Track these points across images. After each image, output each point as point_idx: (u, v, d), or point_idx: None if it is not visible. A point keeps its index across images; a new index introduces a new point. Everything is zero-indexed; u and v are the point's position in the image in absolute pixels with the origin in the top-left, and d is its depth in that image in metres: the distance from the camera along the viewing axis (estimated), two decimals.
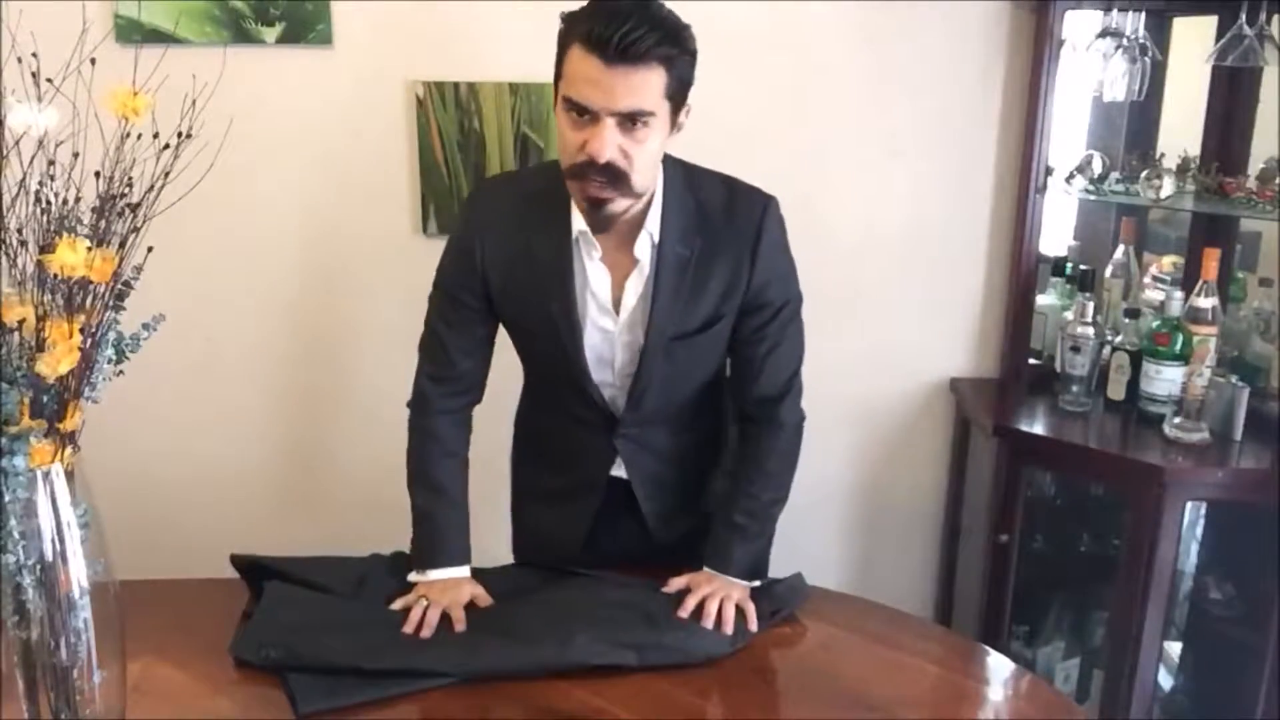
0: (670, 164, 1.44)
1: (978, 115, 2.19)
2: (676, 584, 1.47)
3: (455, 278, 1.50)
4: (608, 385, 1.53)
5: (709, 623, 1.39)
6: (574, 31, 1.28)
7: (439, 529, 1.51)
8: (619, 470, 1.60)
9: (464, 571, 1.49)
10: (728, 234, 1.46)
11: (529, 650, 1.31)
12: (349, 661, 1.28)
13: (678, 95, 1.32)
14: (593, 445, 1.58)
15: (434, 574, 1.47)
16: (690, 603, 1.41)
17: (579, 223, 1.42)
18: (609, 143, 1.28)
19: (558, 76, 1.33)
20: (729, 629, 1.39)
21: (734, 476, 1.58)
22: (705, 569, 1.50)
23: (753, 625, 1.42)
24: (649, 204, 1.42)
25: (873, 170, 2.21)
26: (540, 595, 1.47)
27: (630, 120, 1.28)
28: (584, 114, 1.28)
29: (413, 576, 1.48)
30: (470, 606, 1.44)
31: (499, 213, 1.48)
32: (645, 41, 1.24)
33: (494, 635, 1.35)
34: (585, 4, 1.31)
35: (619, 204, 1.35)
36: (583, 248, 1.44)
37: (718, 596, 1.42)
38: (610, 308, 1.47)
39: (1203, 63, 2.00)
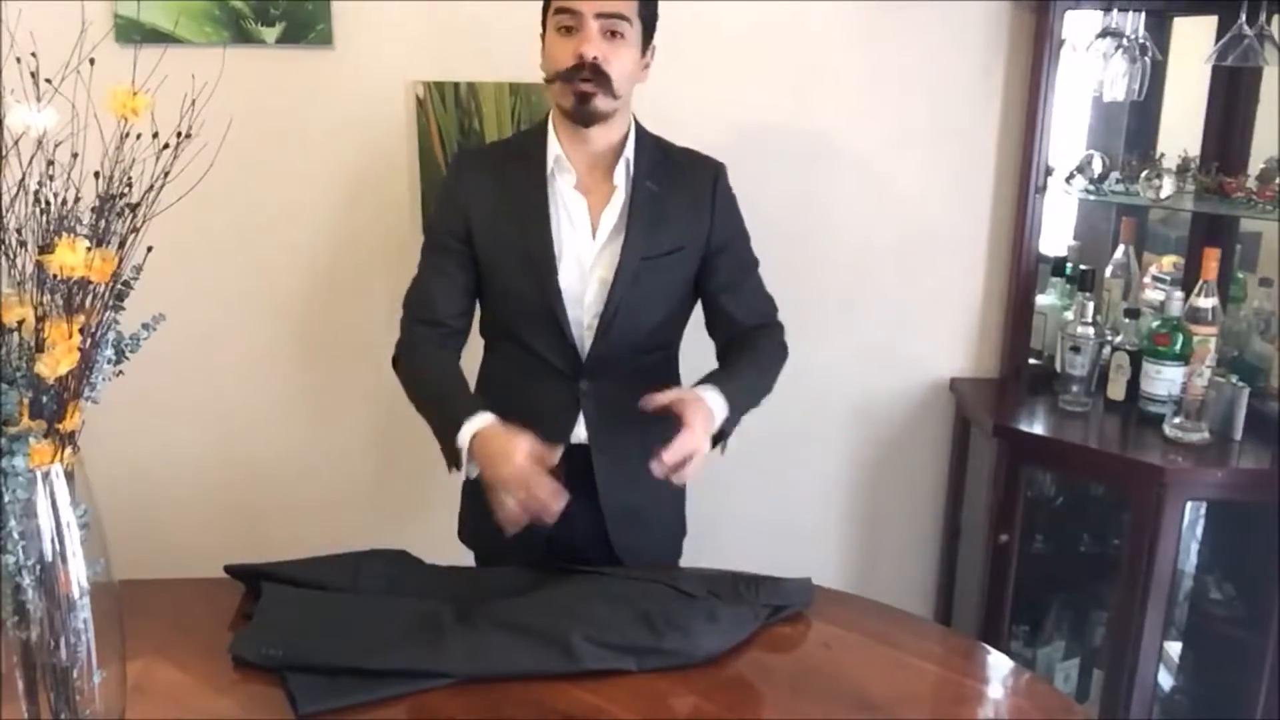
0: (637, 126, 1.61)
1: (978, 115, 2.19)
2: (665, 398, 1.45)
3: (438, 224, 1.63)
4: (575, 321, 1.57)
5: (657, 467, 1.38)
6: None
7: (451, 393, 1.55)
8: (580, 435, 1.60)
9: (488, 417, 1.47)
10: (689, 179, 1.63)
11: (529, 652, 1.31)
12: (350, 661, 1.28)
13: (648, 20, 1.54)
14: (555, 399, 1.60)
15: (466, 431, 1.45)
16: (664, 399, 1.44)
17: (554, 149, 1.56)
18: (594, 42, 1.47)
19: (546, 10, 1.52)
20: (661, 468, 1.38)
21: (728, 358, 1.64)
22: (696, 389, 1.50)
23: (696, 467, 1.41)
24: (625, 138, 1.58)
25: (873, 170, 2.21)
26: (541, 594, 1.46)
27: (611, 32, 1.48)
28: (570, 29, 1.48)
29: (461, 440, 1.45)
30: (472, 605, 1.43)
31: (480, 158, 1.68)
32: None
33: (494, 636, 1.35)
34: None
35: (602, 101, 1.50)
36: (559, 177, 1.57)
37: (684, 435, 1.40)
38: (588, 231, 1.57)
39: (1203, 63, 2.00)
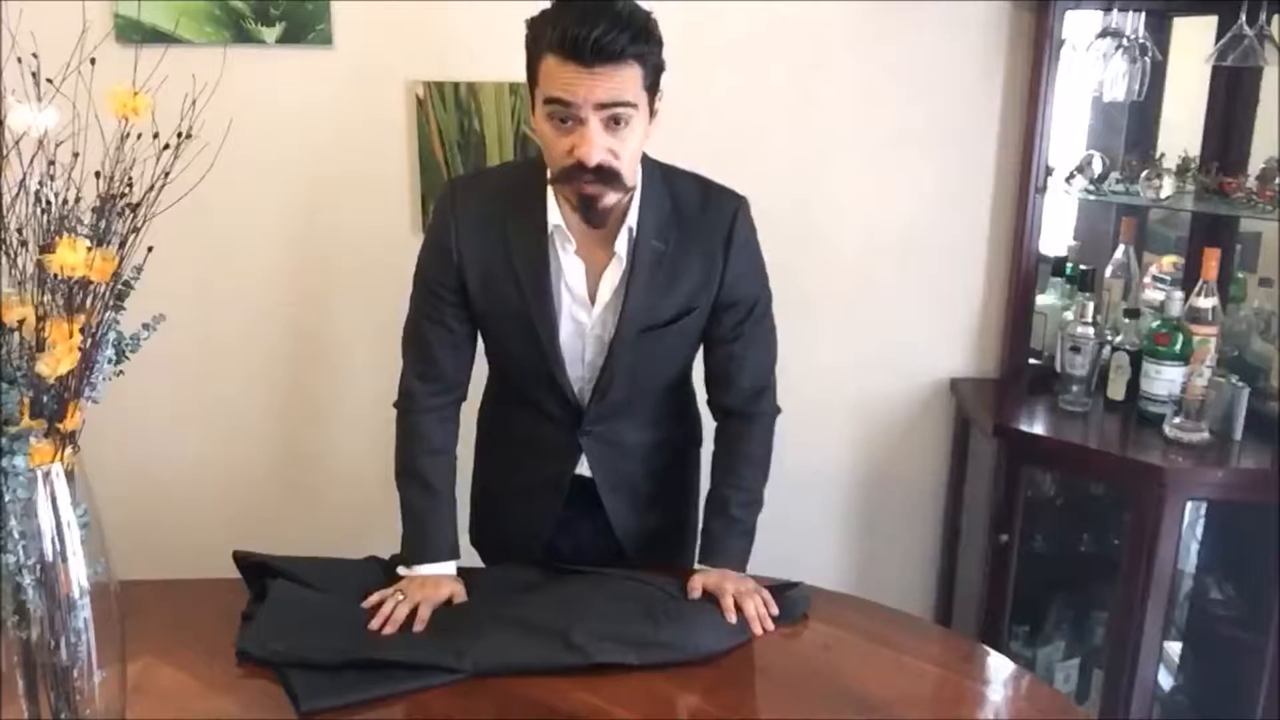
0: (647, 162, 1.47)
1: (978, 115, 2.19)
2: (698, 587, 1.46)
3: (433, 274, 1.51)
4: (576, 379, 1.54)
5: (757, 627, 1.41)
6: (544, 39, 1.29)
7: (425, 525, 1.52)
8: (583, 468, 1.60)
9: (449, 568, 1.50)
10: (701, 229, 1.49)
11: (530, 647, 1.31)
12: (354, 654, 1.28)
13: (654, 84, 1.35)
14: (558, 440, 1.59)
15: (420, 569, 1.49)
16: (729, 603, 1.42)
17: (554, 216, 1.44)
18: (597, 145, 1.30)
19: (533, 83, 1.35)
20: (769, 625, 1.41)
21: (718, 471, 1.60)
22: (707, 565, 1.51)
23: (774, 609, 1.44)
24: (630, 199, 1.44)
25: (873, 170, 2.21)
26: (542, 592, 1.47)
27: (614, 119, 1.30)
28: (567, 119, 1.30)
29: (400, 570, 1.50)
30: (474, 603, 1.44)
31: (474, 208, 1.49)
32: (619, 41, 1.26)
33: (496, 632, 1.35)
34: (547, 8, 1.32)
35: (611, 199, 1.37)
36: (558, 241, 1.46)
37: (748, 595, 1.44)
38: (586, 300, 1.49)
39: (1203, 63, 2.00)
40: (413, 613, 1.40)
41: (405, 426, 1.57)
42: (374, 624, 1.38)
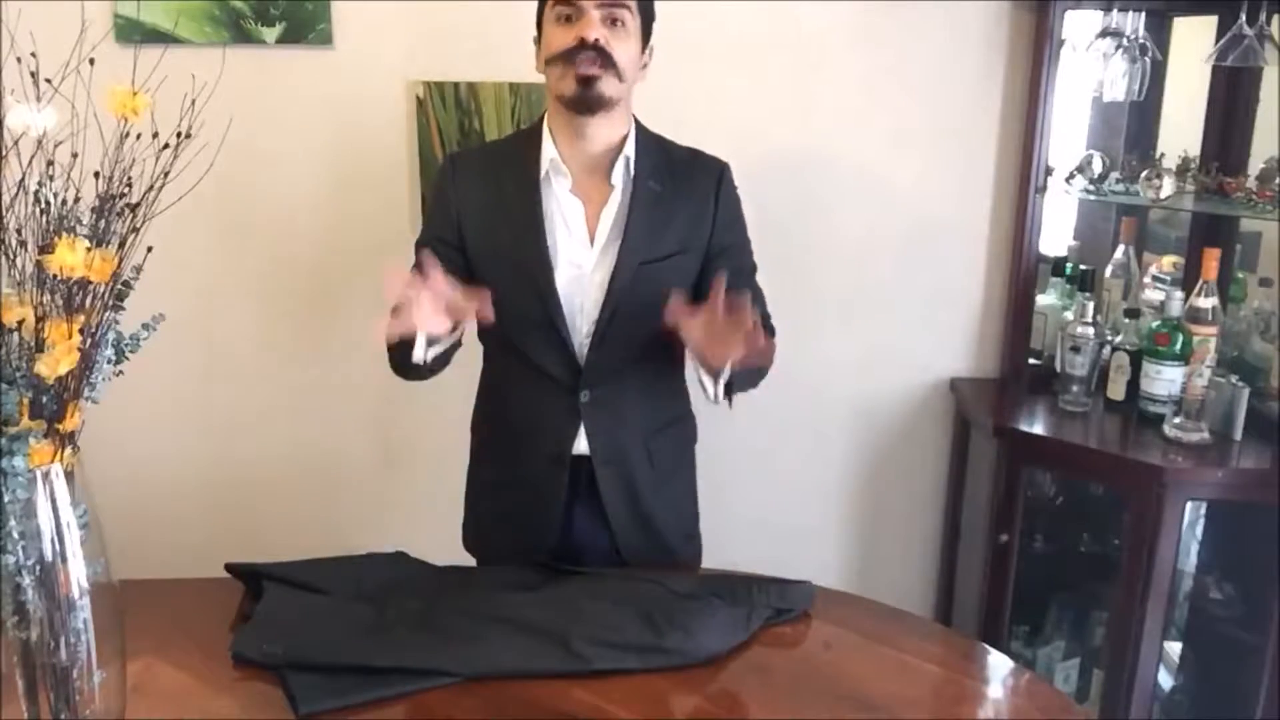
0: (638, 125, 1.57)
1: (978, 115, 2.19)
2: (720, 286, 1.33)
3: (432, 228, 1.58)
4: (575, 329, 1.54)
5: (748, 320, 1.29)
6: None
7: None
8: (581, 445, 1.58)
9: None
10: (692, 177, 1.58)
11: (530, 651, 1.31)
12: (350, 659, 1.28)
13: (646, 17, 1.50)
14: (556, 409, 1.57)
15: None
16: (742, 308, 1.30)
17: (550, 150, 1.51)
18: (596, 25, 1.42)
19: (542, 12, 1.49)
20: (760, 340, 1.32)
21: None
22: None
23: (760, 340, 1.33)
24: (624, 138, 1.53)
25: (873, 170, 2.21)
26: (541, 593, 1.46)
27: (612, 19, 1.44)
28: (570, 17, 1.43)
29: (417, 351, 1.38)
30: (475, 605, 1.43)
31: (471, 161, 1.61)
32: None
33: (495, 635, 1.35)
34: None
35: (607, 84, 1.44)
36: (554, 179, 1.52)
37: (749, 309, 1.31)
38: (585, 238, 1.53)
39: (1203, 63, 2.00)
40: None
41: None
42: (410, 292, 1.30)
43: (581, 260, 1.53)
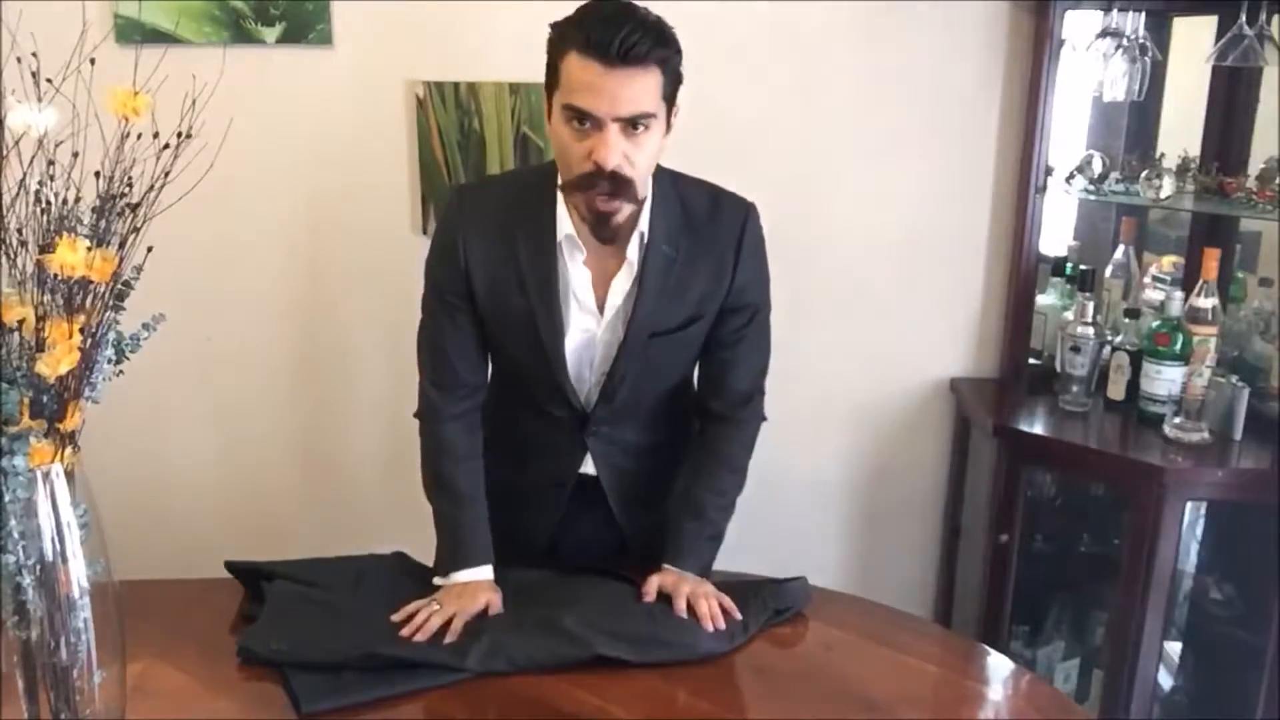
0: (658, 169, 1.46)
1: (978, 115, 2.19)
2: (652, 589, 1.44)
3: (443, 283, 1.50)
4: (583, 383, 1.53)
5: (708, 625, 1.38)
6: (569, 39, 1.29)
7: (459, 533, 1.50)
8: (588, 467, 1.59)
9: (486, 572, 1.48)
10: (711, 236, 1.48)
11: (531, 640, 1.32)
12: (356, 650, 1.28)
13: (672, 94, 1.35)
14: (563, 441, 1.58)
15: (456, 576, 1.46)
16: (681, 605, 1.41)
17: (565, 226, 1.43)
18: (615, 149, 1.29)
19: (552, 86, 1.34)
20: (721, 624, 1.39)
21: (697, 474, 1.57)
22: (671, 567, 1.48)
23: (737, 615, 1.41)
24: (641, 206, 1.43)
25: (873, 171, 2.21)
26: (542, 592, 1.47)
27: (633, 125, 1.30)
28: (586, 122, 1.30)
29: (437, 580, 1.47)
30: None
31: (482, 214, 1.48)
32: (644, 44, 1.26)
33: (496, 629, 1.36)
34: (572, 12, 1.32)
35: (624, 213, 1.37)
36: (567, 250, 1.45)
37: (703, 596, 1.42)
38: (594, 308, 1.48)
39: (1203, 63, 2.00)
40: (446, 624, 1.37)
41: (429, 437, 1.55)
42: (405, 631, 1.35)
43: (590, 326, 1.49)
